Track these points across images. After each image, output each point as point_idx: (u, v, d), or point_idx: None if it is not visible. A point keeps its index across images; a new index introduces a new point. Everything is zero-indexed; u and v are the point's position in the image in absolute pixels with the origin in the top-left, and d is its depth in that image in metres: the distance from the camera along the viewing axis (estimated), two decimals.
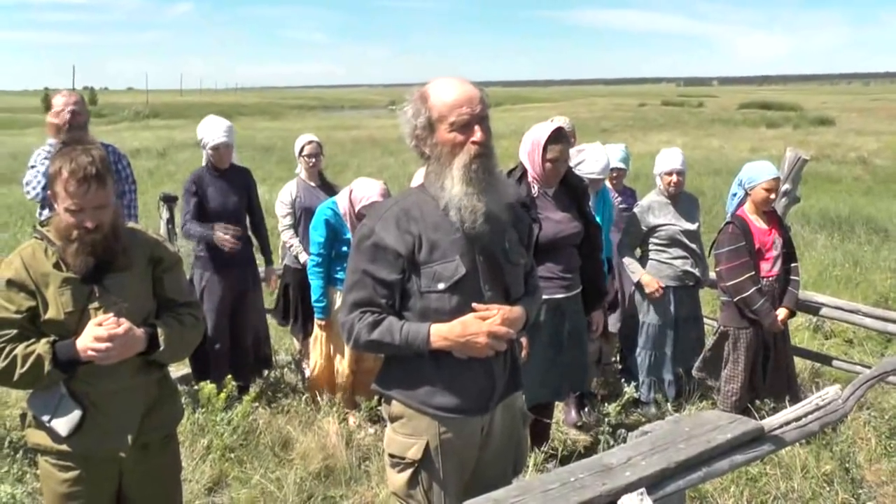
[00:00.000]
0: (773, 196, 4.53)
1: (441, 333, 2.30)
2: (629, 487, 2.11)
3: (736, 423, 2.54)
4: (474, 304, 2.33)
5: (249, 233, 5.17)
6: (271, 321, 5.70)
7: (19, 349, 2.36)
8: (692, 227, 5.05)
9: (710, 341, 4.75)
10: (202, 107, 58.69)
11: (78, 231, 2.38)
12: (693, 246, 5.07)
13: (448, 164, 2.30)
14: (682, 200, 5.09)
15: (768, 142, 24.94)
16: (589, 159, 4.68)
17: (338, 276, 4.71)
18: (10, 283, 2.40)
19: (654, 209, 5.02)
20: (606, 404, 4.68)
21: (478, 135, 2.28)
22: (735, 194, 4.71)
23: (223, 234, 4.75)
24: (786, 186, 5.59)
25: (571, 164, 4.56)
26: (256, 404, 4.72)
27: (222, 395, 4.41)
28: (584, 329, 4.17)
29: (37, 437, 2.54)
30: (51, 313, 2.41)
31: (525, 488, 2.05)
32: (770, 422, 2.73)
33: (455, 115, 2.27)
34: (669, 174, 4.99)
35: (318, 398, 4.83)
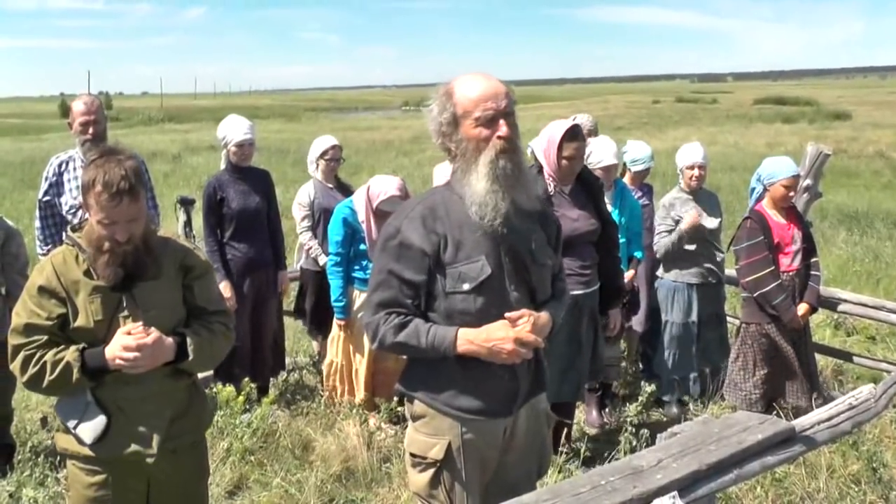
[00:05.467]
0: (791, 193, 4.49)
1: (468, 338, 2.28)
2: (661, 491, 2.08)
3: (766, 424, 2.50)
4: (506, 315, 2.29)
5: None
6: (293, 323, 5.66)
7: (49, 356, 2.36)
8: (714, 223, 4.99)
9: (734, 344, 4.68)
10: (216, 110, 58.85)
11: (109, 243, 2.38)
12: (715, 243, 5.02)
13: (474, 160, 2.27)
14: (703, 197, 5.03)
15: (784, 137, 24.77)
16: (597, 150, 4.64)
17: (356, 275, 4.70)
18: (42, 290, 2.40)
19: (677, 206, 4.96)
20: (628, 404, 4.62)
21: (503, 130, 2.25)
22: (754, 189, 4.65)
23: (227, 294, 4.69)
24: (808, 182, 5.51)
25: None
26: (275, 406, 4.71)
27: (240, 398, 4.39)
28: (601, 325, 4.15)
29: (64, 441, 2.54)
30: (80, 321, 2.40)
31: (556, 492, 2.02)
32: (801, 422, 2.68)
33: (480, 109, 2.24)
34: (691, 168, 4.94)
35: (336, 399, 4.82)
